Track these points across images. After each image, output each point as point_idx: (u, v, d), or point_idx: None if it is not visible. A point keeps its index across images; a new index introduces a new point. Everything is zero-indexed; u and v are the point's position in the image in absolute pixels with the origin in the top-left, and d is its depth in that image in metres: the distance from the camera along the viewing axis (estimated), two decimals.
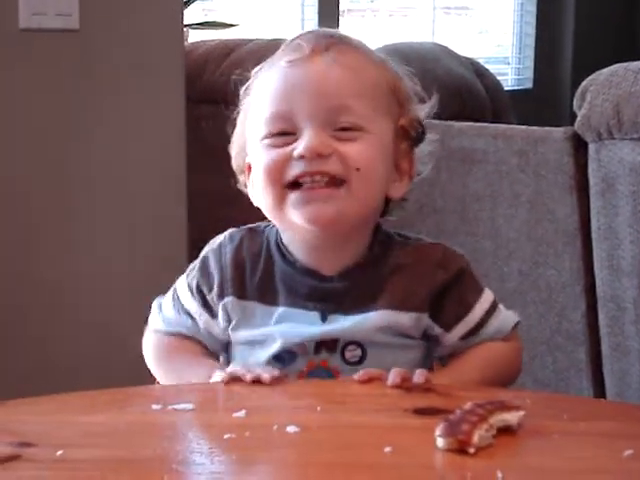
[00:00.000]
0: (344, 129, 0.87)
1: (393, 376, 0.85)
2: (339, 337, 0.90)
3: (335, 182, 0.87)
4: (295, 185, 0.88)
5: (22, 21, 1.69)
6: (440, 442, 0.71)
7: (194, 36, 2.74)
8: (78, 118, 1.77)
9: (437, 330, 0.92)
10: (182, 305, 0.96)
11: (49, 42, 1.72)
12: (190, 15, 2.75)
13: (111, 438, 0.73)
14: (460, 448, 0.70)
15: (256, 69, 0.95)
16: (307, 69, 0.88)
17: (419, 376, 0.85)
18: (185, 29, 2.46)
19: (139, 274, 1.85)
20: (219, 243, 0.96)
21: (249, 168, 0.94)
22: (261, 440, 0.73)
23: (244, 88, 0.95)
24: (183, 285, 0.97)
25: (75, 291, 1.81)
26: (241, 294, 0.92)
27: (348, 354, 0.90)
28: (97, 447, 0.71)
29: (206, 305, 0.94)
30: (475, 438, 0.71)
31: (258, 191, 0.91)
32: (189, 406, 0.79)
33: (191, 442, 0.74)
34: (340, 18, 3.51)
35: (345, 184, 0.87)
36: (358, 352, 0.90)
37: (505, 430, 0.74)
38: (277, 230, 0.94)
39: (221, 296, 0.93)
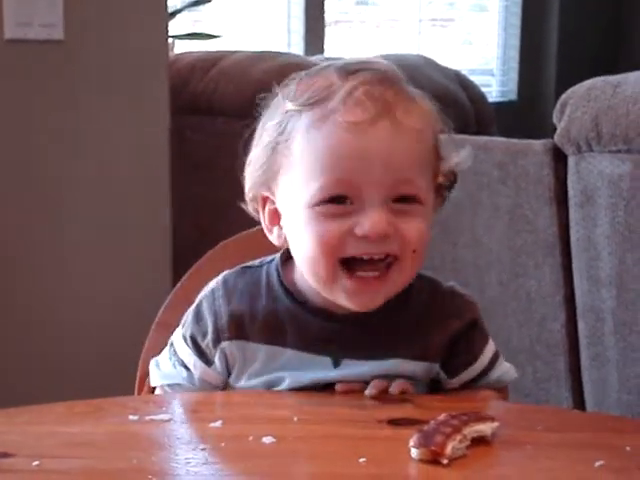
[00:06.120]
0: (403, 199, 0.83)
1: (371, 387, 0.85)
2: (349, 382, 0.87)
3: (388, 263, 0.83)
4: (349, 261, 0.83)
5: (7, 32, 1.69)
6: (414, 453, 0.72)
7: (181, 47, 2.75)
8: (63, 128, 1.77)
9: (442, 376, 0.91)
10: (178, 357, 0.92)
11: (34, 53, 1.72)
12: (178, 26, 2.76)
13: (88, 448, 0.73)
14: (433, 459, 0.71)
15: (292, 105, 0.84)
16: (372, 137, 0.81)
17: (395, 387, 0.85)
18: (171, 40, 2.48)
19: (123, 283, 1.86)
20: (212, 289, 0.91)
21: (264, 200, 0.89)
22: (237, 451, 0.73)
23: (277, 123, 0.85)
24: (178, 337, 0.93)
25: (59, 298, 1.81)
26: (240, 336, 0.88)
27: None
28: (74, 458, 0.72)
29: (201, 353, 0.90)
30: (448, 449, 0.71)
31: (303, 256, 0.85)
32: (166, 416, 0.79)
33: (168, 453, 0.74)
34: (327, 29, 3.53)
35: (397, 262, 0.83)
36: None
37: (479, 441, 0.74)
38: (278, 267, 0.90)
39: (217, 341, 0.89)
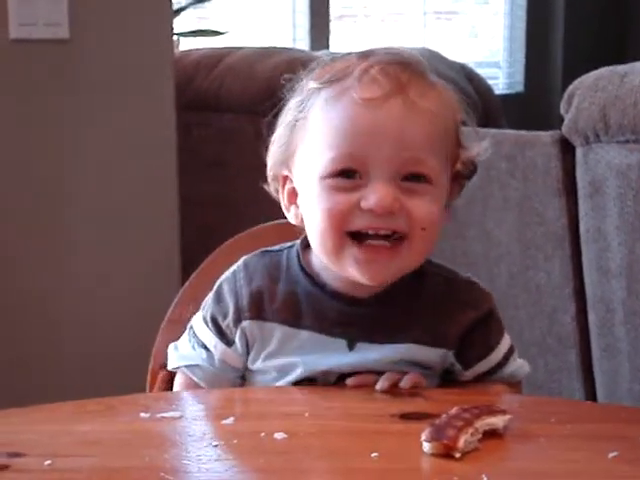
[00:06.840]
0: (413, 178, 0.84)
1: (382, 381, 0.85)
2: (363, 370, 0.88)
3: (398, 238, 0.84)
4: (357, 235, 0.84)
5: (12, 32, 1.70)
6: (426, 447, 0.72)
7: (186, 44, 2.75)
8: (69, 127, 1.77)
9: (457, 367, 0.91)
10: (198, 338, 0.93)
11: (40, 52, 1.73)
12: (183, 23, 2.76)
13: (100, 447, 0.74)
14: (446, 453, 0.71)
15: (314, 84, 0.87)
16: (385, 114, 0.83)
17: (406, 381, 0.85)
18: (176, 37, 2.48)
19: (132, 280, 1.86)
20: (233, 271, 0.93)
21: (284, 180, 0.91)
22: (249, 447, 0.73)
23: (299, 101, 0.88)
24: (198, 319, 0.94)
25: (65, 298, 1.81)
26: (260, 316, 0.90)
27: None
28: (86, 456, 0.72)
29: (221, 334, 0.92)
30: (461, 442, 0.71)
31: (313, 229, 0.87)
32: (177, 414, 0.79)
33: (179, 450, 0.74)
34: (332, 24, 3.53)
35: (407, 240, 0.84)
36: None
37: (491, 434, 0.74)
38: (298, 251, 0.91)
39: (238, 320, 0.90)
